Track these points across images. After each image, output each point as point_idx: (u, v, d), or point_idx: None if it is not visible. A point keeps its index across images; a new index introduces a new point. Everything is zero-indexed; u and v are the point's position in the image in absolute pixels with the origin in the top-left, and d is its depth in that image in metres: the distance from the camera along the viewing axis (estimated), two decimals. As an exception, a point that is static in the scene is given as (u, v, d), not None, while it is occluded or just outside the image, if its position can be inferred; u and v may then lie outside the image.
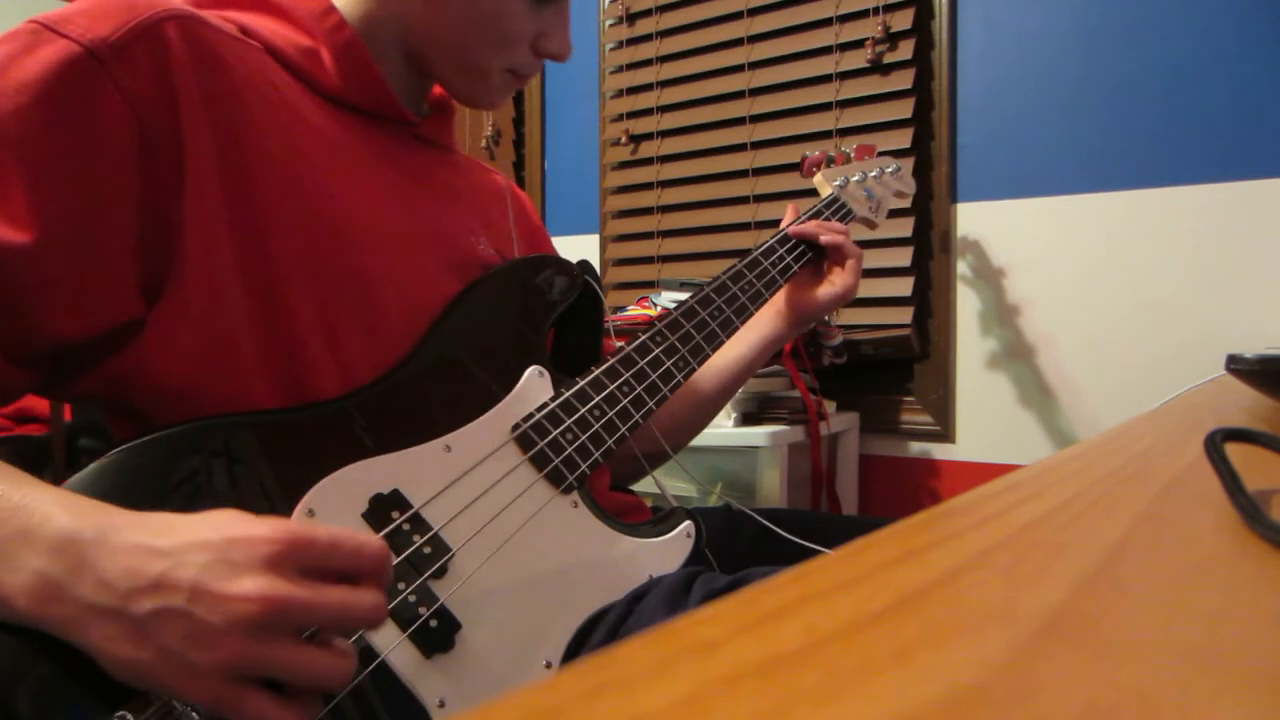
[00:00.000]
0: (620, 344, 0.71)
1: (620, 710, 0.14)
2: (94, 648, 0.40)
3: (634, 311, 1.45)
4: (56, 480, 0.57)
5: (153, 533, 0.41)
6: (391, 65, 0.66)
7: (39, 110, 0.48)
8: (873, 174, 1.08)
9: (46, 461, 0.60)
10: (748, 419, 1.39)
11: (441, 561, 0.53)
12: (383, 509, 0.53)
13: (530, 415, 0.62)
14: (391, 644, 0.50)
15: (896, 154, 1.51)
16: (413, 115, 0.68)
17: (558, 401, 0.63)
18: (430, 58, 0.67)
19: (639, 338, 0.71)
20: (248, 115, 0.55)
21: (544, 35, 0.67)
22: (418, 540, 0.53)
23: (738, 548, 0.79)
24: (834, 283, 0.89)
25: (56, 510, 0.42)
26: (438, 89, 0.74)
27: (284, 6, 0.63)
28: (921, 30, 1.55)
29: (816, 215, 0.93)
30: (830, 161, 1.10)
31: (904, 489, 1.59)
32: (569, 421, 0.63)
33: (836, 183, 1.02)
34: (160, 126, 0.51)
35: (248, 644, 0.39)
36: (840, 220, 0.95)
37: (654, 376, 0.69)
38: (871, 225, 1.04)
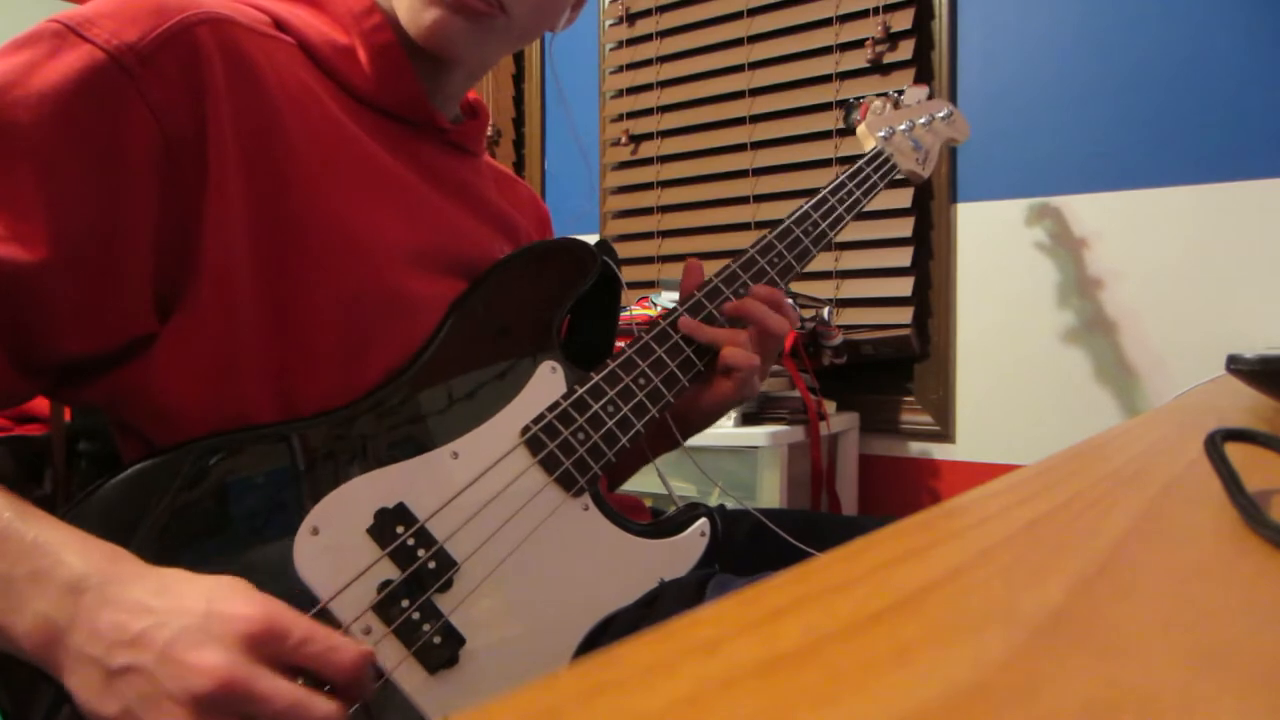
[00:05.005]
0: (641, 328, 0.67)
1: (620, 710, 0.14)
2: (73, 693, 0.41)
3: (634, 311, 1.45)
4: (56, 481, 0.57)
5: (152, 590, 0.42)
6: (425, 70, 0.63)
7: (61, 122, 0.46)
8: (921, 121, 0.98)
9: (46, 462, 0.60)
10: (748, 419, 1.39)
11: (446, 576, 0.52)
12: (387, 524, 0.52)
13: (541, 416, 0.59)
14: (396, 662, 0.50)
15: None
16: (445, 121, 0.66)
17: (570, 400, 0.61)
18: None
19: (659, 324, 0.67)
20: (279, 126, 0.53)
21: None
22: (422, 555, 0.52)
23: (732, 547, 0.79)
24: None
25: (68, 554, 0.42)
26: (471, 94, 0.72)
27: (323, 0, 0.61)
28: (921, 30, 1.55)
29: (856, 173, 0.84)
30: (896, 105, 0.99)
31: (904, 489, 1.59)
32: (581, 420, 0.60)
33: (881, 134, 0.93)
34: (186, 139, 0.49)
35: (194, 717, 0.39)
36: (883, 177, 0.86)
37: (673, 366, 0.65)
38: (919, 179, 0.96)
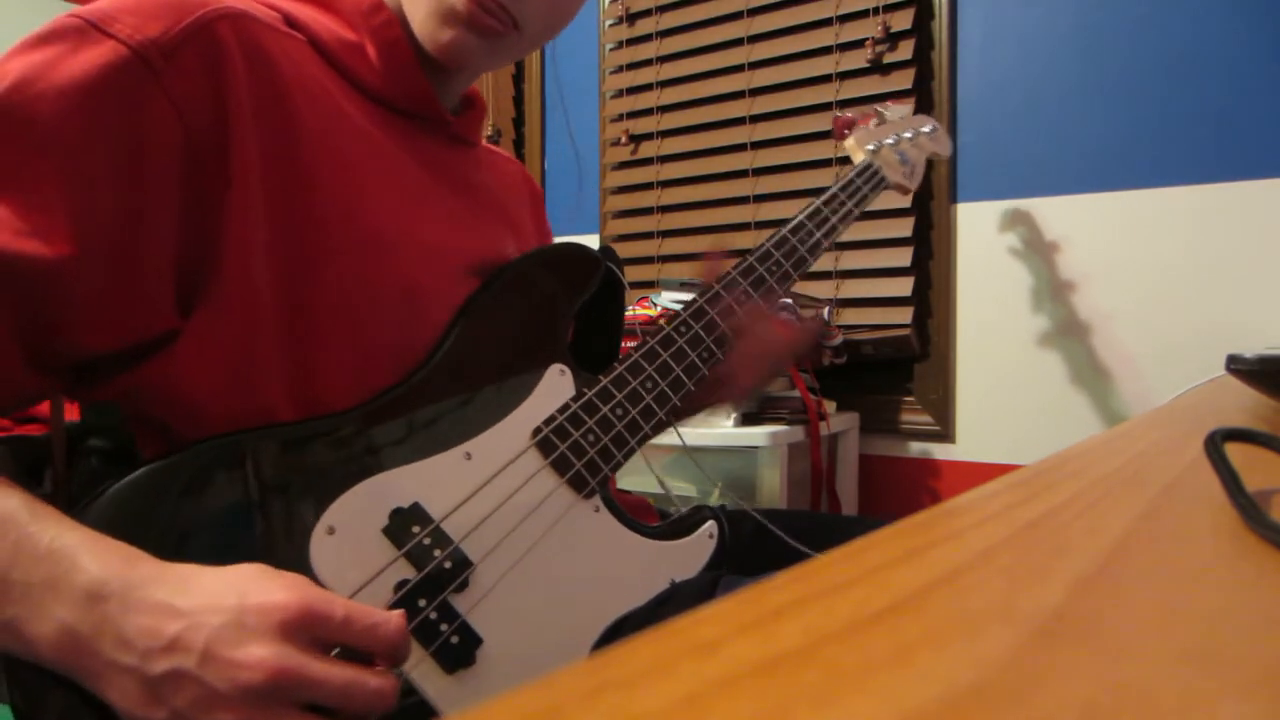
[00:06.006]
0: (651, 328, 0.68)
1: (620, 710, 0.14)
2: (114, 704, 0.40)
3: (634, 311, 1.45)
4: (56, 481, 0.57)
5: (175, 590, 0.41)
6: (429, 64, 0.63)
7: (83, 116, 0.46)
8: (907, 135, 1.01)
9: (47, 462, 0.60)
10: (748, 419, 1.39)
11: (462, 576, 0.52)
12: (403, 523, 0.52)
13: (551, 418, 0.60)
14: (413, 663, 0.50)
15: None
16: (449, 115, 0.66)
17: (580, 402, 0.61)
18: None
19: (664, 328, 0.68)
20: (297, 122, 0.53)
21: None
22: (438, 555, 0.52)
23: (737, 548, 0.79)
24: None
25: (85, 559, 0.41)
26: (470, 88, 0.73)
27: None
28: (921, 30, 1.55)
29: (848, 185, 0.88)
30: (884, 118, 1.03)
31: (904, 489, 1.59)
32: (591, 422, 0.61)
33: (869, 147, 0.95)
34: (208, 134, 0.49)
35: (251, 712, 0.38)
36: (872, 189, 0.90)
37: (679, 370, 0.66)
38: (905, 191, 0.99)
